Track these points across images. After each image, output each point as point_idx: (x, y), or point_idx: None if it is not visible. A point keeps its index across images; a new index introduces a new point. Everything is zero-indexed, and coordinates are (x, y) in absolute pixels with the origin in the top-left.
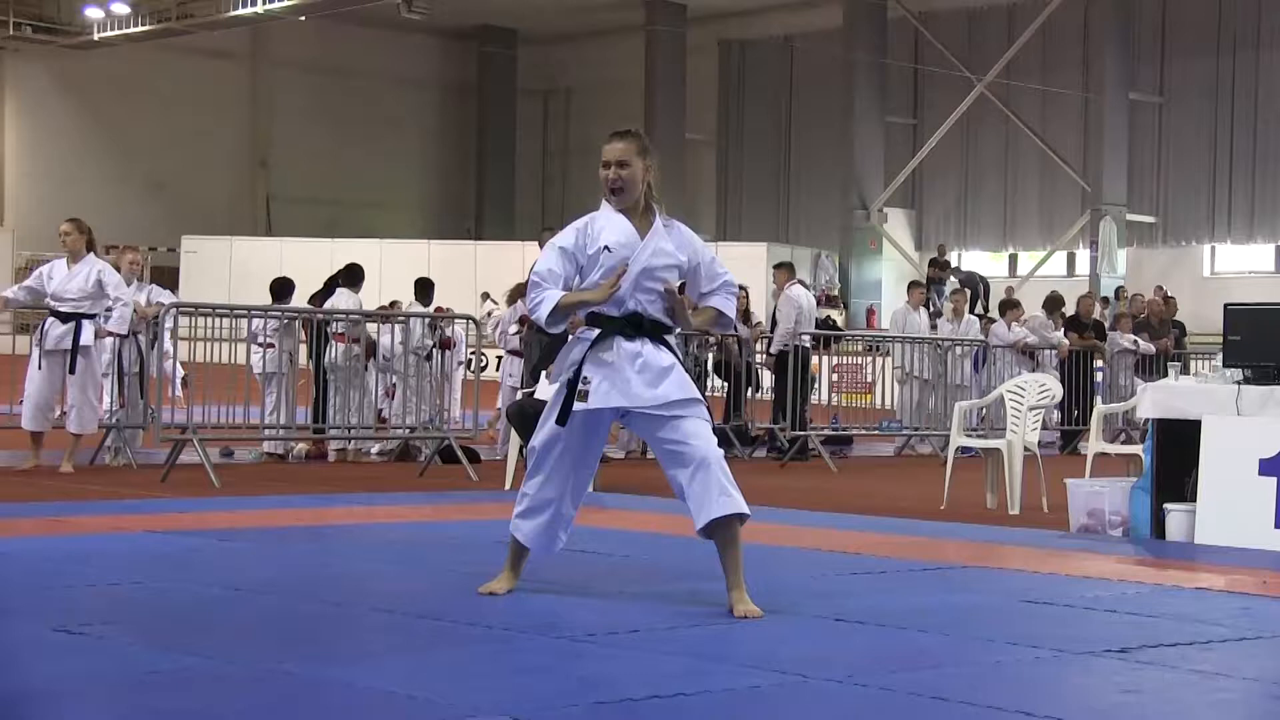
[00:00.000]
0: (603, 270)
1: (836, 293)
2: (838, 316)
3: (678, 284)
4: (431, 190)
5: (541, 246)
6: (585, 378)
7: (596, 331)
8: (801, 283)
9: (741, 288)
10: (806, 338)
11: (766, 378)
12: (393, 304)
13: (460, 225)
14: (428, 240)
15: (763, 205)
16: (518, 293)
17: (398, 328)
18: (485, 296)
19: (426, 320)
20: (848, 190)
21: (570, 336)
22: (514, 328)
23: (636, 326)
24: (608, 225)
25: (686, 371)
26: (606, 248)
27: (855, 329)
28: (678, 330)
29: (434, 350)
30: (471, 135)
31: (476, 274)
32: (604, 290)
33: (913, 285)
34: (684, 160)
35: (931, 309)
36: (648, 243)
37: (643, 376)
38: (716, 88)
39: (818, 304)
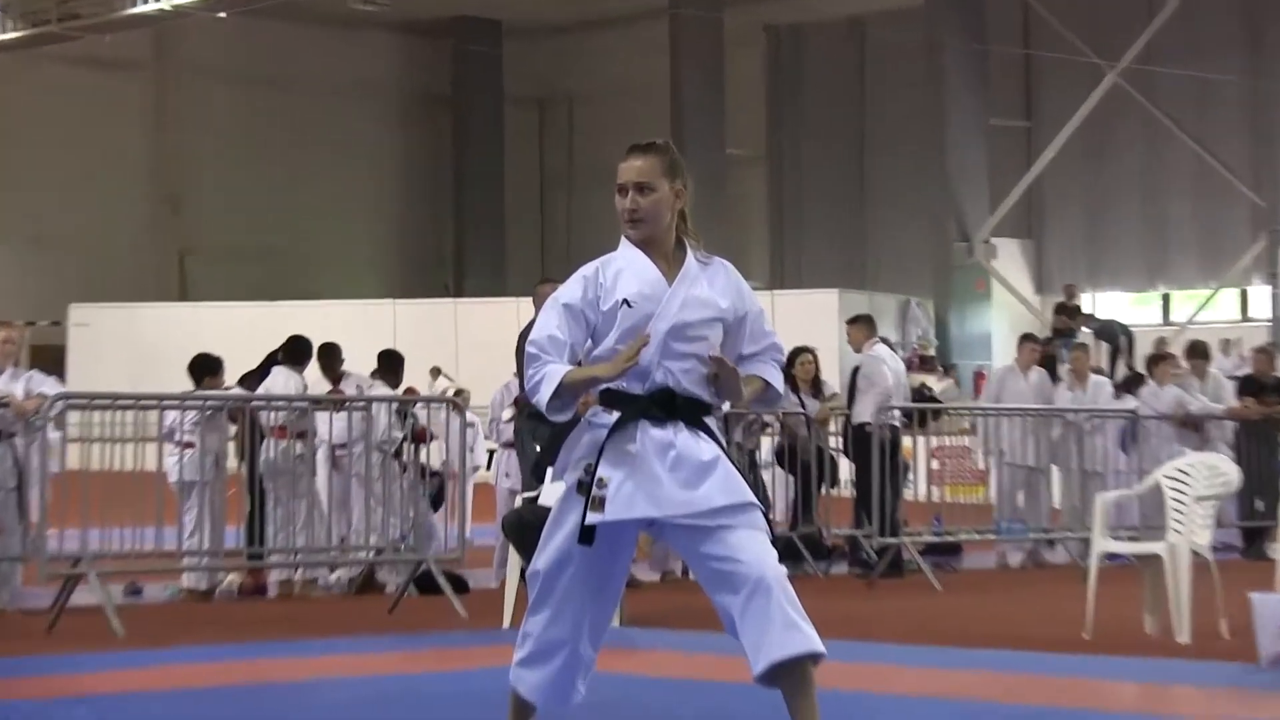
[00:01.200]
0: (622, 332)
1: (933, 352)
2: (936, 384)
3: (719, 341)
4: (396, 235)
5: (539, 303)
6: (601, 479)
7: (614, 416)
8: (885, 341)
9: (806, 351)
10: (896, 413)
11: (845, 468)
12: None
13: (435, 279)
14: (393, 300)
15: (830, 239)
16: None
17: (357, 417)
18: (436, 373)
19: (394, 405)
20: (943, 217)
21: (580, 420)
22: (507, 413)
23: (667, 406)
24: (627, 270)
25: (735, 464)
26: (625, 301)
27: (959, 400)
28: (721, 409)
29: (405, 445)
30: (447, 160)
31: (458, 341)
32: (619, 363)
33: (1024, 340)
34: (725, 183)
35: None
36: (677, 290)
37: (677, 475)
38: (764, 88)
39: (908, 368)
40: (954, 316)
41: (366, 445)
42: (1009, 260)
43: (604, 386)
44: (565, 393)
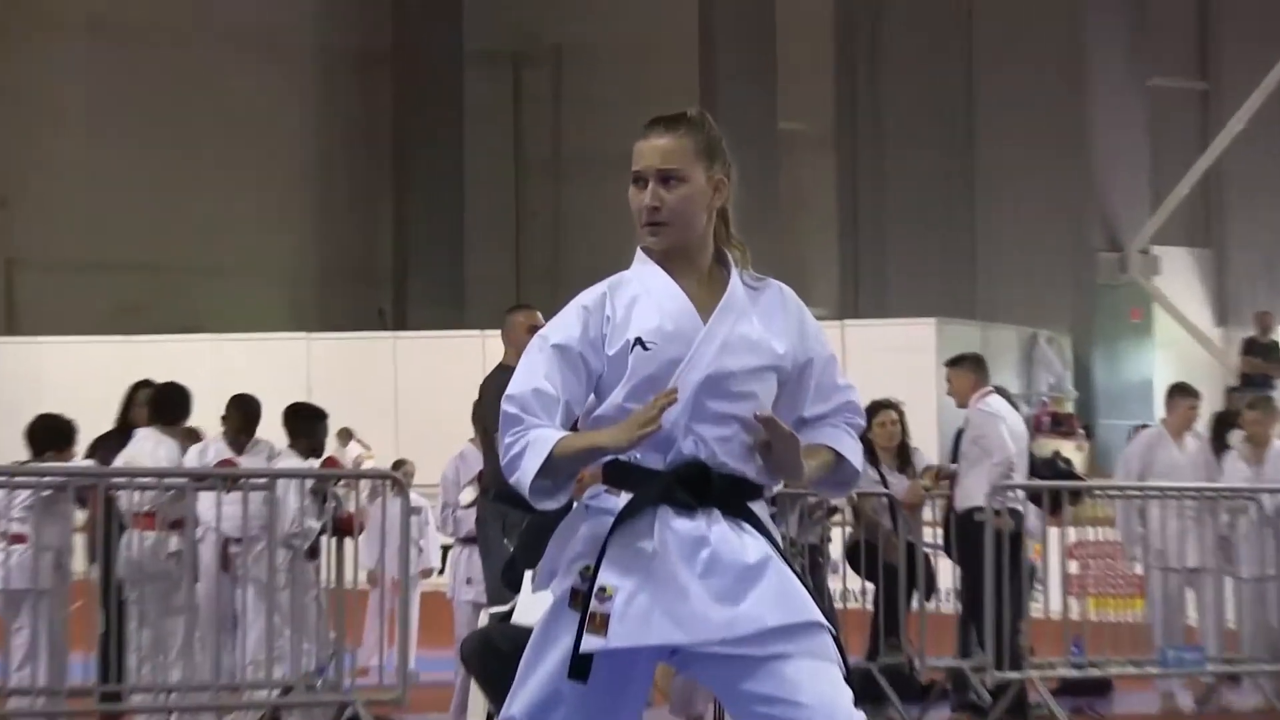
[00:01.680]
0: (637, 384)
1: (1070, 408)
2: (1075, 452)
3: (771, 397)
4: (313, 244)
5: (512, 339)
6: (604, 588)
7: (623, 499)
8: (1002, 392)
9: (889, 406)
10: (1018, 494)
11: (946, 571)
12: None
13: (367, 305)
14: (307, 335)
15: (925, 249)
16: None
17: (257, 499)
18: (347, 436)
19: (308, 483)
20: (1084, 217)
21: (574, 505)
22: (466, 494)
23: (698, 487)
24: (644, 297)
25: (793, 568)
26: (640, 341)
27: (1108, 475)
28: (773, 490)
29: (324, 538)
30: (385, 143)
31: (398, 390)
32: (634, 427)
33: (1176, 394)
34: (776, 171)
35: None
36: (715, 326)
37: (711, 584)
38: (832, 43)
39: (1035, 429)
40: (1100, 357)
41: (270, 539)
42: (1177, 278)
43: (610, 459)
44: (556, 469)
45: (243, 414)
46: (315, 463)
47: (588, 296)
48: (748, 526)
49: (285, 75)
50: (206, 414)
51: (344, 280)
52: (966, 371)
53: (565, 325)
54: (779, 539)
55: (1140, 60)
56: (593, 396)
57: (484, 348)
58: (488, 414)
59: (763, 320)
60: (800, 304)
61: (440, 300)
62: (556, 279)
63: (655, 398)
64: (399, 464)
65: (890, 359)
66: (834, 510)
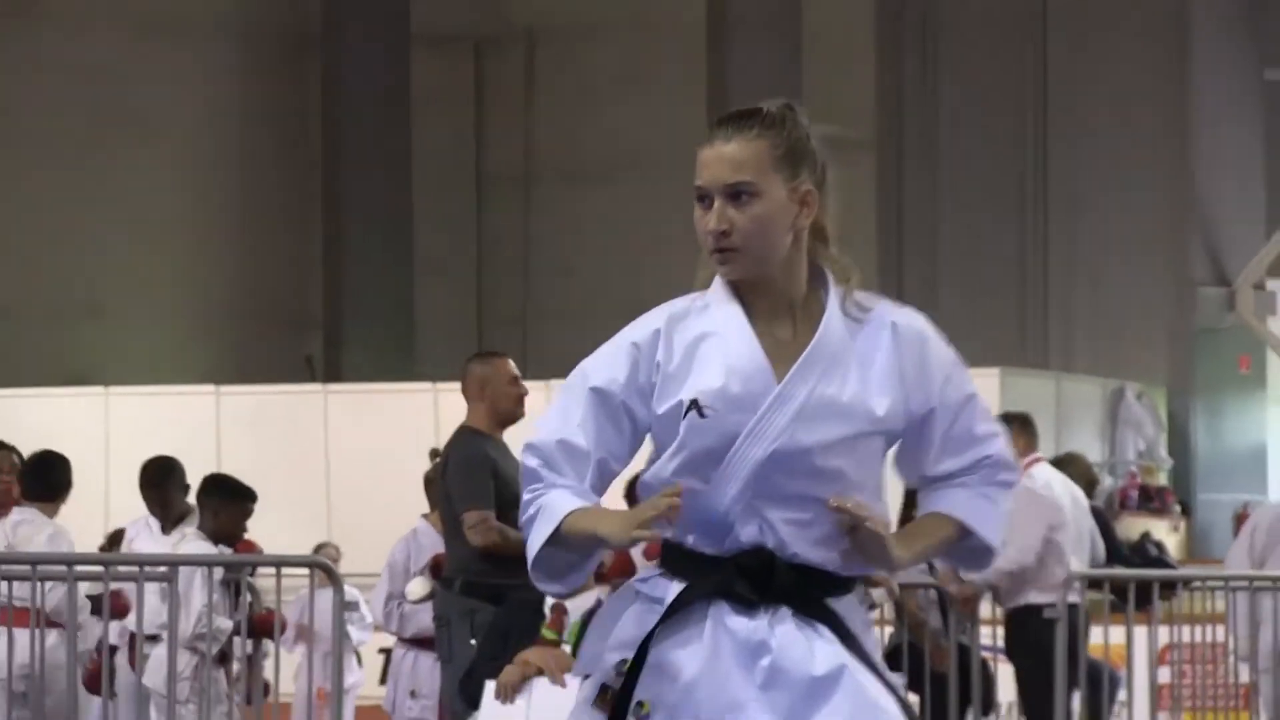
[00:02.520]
0: (692, 455)
1: (1164, 479)
2: (1169, 534)
3: (878, 460)
4: (225, 276)
5: (473, 392)
6: (641, 702)
7: (672, 588)
8: (1068, 462)
9: None
10: (1075, 585)
11: (1006, 679)
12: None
13: (291, 351)
14: (216, 388)
15: (986, 283)
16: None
17: (155, 593)
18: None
19: (217, 574)
20: (1182, 245)
21: (609, 592)
22: (417, 586)
23: (760, 581)
24: (712, 339)
25: (884, 680)
26: (695, 405)
27: (1210, 562)
28: (867, 592)
29: (237, 640)
30: (313, 145)
31: (329, 456)
32: (628, 527)
33: None
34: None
35: None
36: (791, 389)
37: (772, 698)
38: (874, 21)
39: (1121, 504)
40: (1201, 416)
41: (171, 641)
42: None
43: (666, 539)
44: (565, 547)
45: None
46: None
47: (639, 330)
48: (824, 629)
49: (188, 67)
50: (91, 483)
51: (263, 321)
52: (1012, 434)
53: (610, 364)
54: (871, 645)
55: (1254, 49)
56: (653, 450)
57: (436, 404)
58: (452, 486)
59: (860, 369)
60: (922, 335)
61: (382, 346)
62: (527, 320)
63: (658, 496)
64: (320, 547)
65: None
66: (872, 605)
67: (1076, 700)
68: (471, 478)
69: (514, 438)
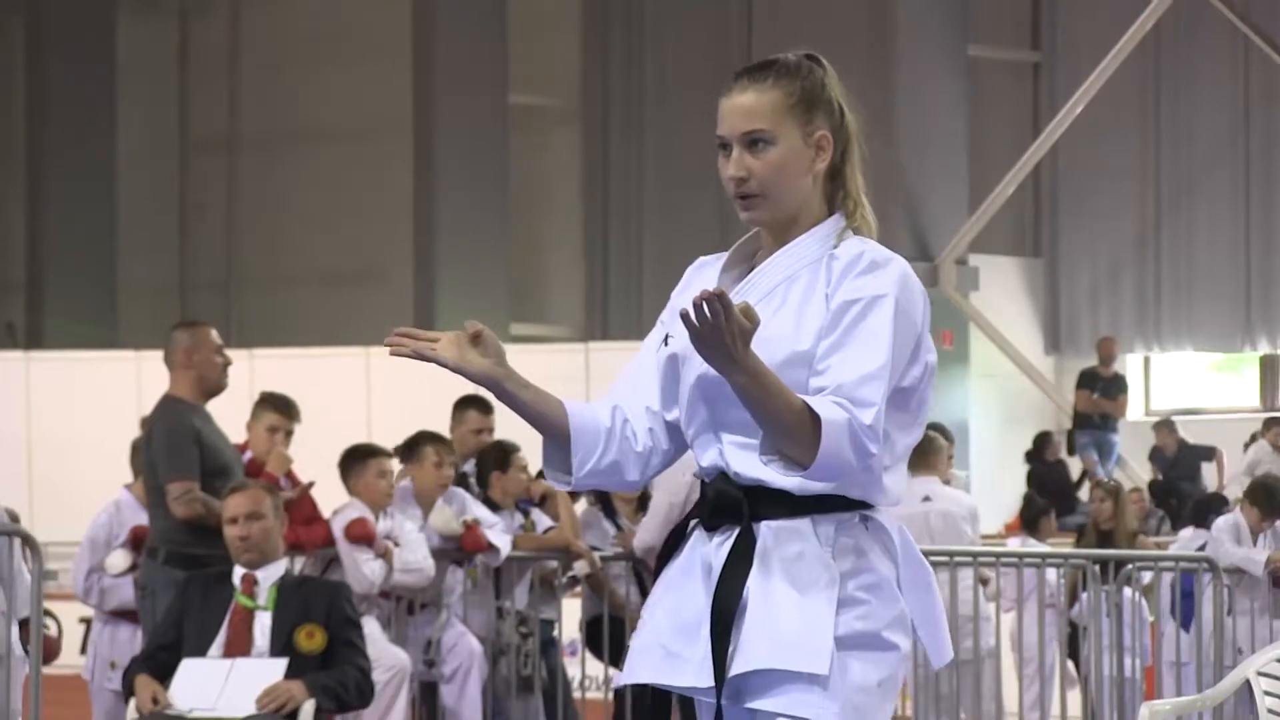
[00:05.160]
0: (668, 389)
1: None
2: None
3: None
4: None
5: (177, 362)
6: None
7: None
8: None
9: None
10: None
11: None
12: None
13: None
14: None
15: (690, 259)
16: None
17: None
18: None
19: None
20: (884, 218)
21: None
22: (118, 559)
23: (718, 505)
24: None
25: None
26: (666, 339)
27: None
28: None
29: None
30: (16, 113)
31: (30, 422)
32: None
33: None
34: (506, 158)
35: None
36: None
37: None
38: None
39: None
40: None
41: None
42: (1000, 293)
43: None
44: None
45: None
46: None
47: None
48: (791, 550)
49: None
50: None
51: None
52: None
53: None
54: (828, 563)
55: (959, 23)
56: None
57: (139, 372)
58: (157, 456)
59: (801, 305)
60: (877, 255)
61: (84, 313)
62: (229, 288)
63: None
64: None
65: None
66: (574, 579)
67: None
68: (176, 448)
69: (217, 407)
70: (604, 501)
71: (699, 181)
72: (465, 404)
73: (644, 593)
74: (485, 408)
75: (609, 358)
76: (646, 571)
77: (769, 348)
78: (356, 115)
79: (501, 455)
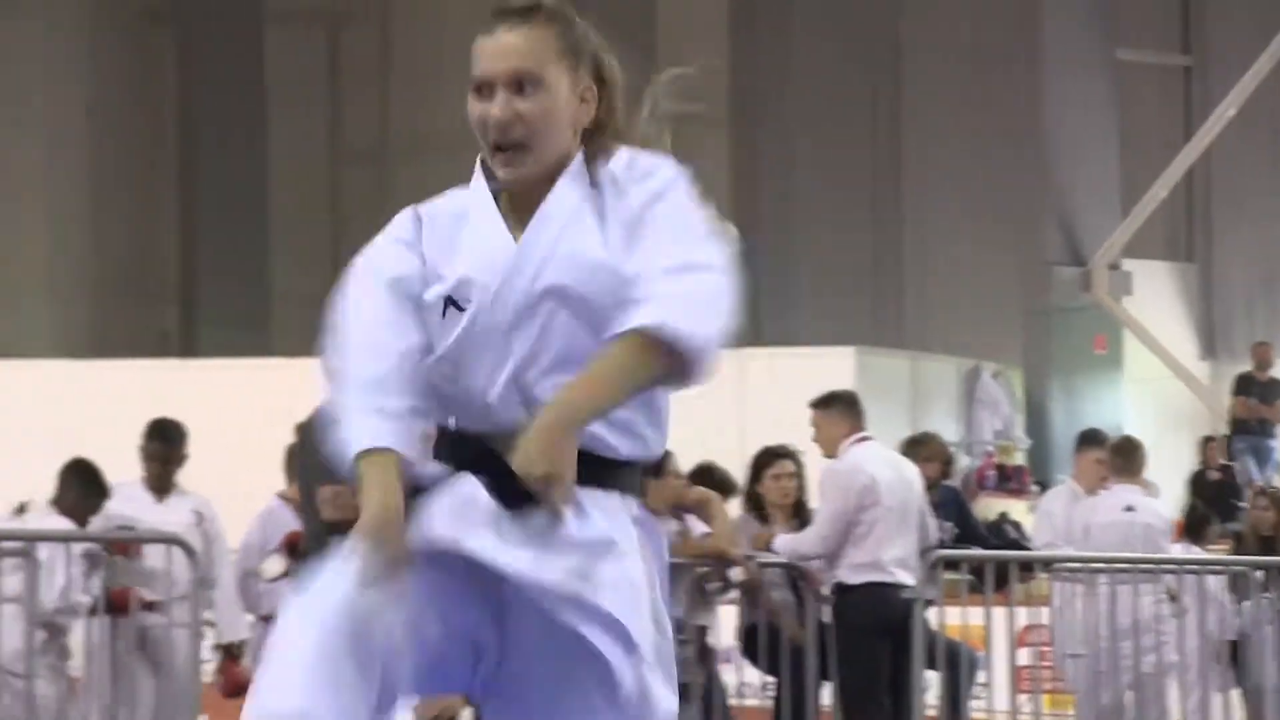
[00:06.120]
0: (449, 351)
1: (1021, 459)
2: (1027, 515)
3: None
4: (79, 248)
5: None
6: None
7: (435, 470)
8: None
9: (784, 455)
10: (908, 565)
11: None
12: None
13: (147, 325)
14: (71, 361)
15: (843, 263)
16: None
17: (9, 568)
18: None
19: (75, 549)
20: (1038, 222)
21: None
22: (272, 564)
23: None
24: (464, 222)
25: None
26: (450, 299)
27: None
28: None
29: (97, 611)
30: (169, 123)
31: (199, 434)
32: (373, 535)
33: (1086, 445)
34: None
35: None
36: (529, 239)
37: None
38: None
39: (979, 485)
40: (1057, 396)
41: (29, 619)
42: (1154, 299)
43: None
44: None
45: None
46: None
47: (399, 222)
48: (598, 515)
49: (36, 36)
50: None
51: (118, 295)
52: (837, 416)
53: (385, 254)
54: (645, 556)
55: (1107, 27)
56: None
57: (293, 379)
58: (309, 464)
59: (604, 218)
60: (670, 173)
61: (238, 321)
62: None
63: (391, 546)
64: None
65: (799, 397)
66: (729, 585)
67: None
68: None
69: None
70: (758, 508)
71: (852, 184)
72: None
73: (800, 600)
74: None
75: (761, 364)
76: (802, 579)
77: (588, 269)
78: None
79: (655, 462)
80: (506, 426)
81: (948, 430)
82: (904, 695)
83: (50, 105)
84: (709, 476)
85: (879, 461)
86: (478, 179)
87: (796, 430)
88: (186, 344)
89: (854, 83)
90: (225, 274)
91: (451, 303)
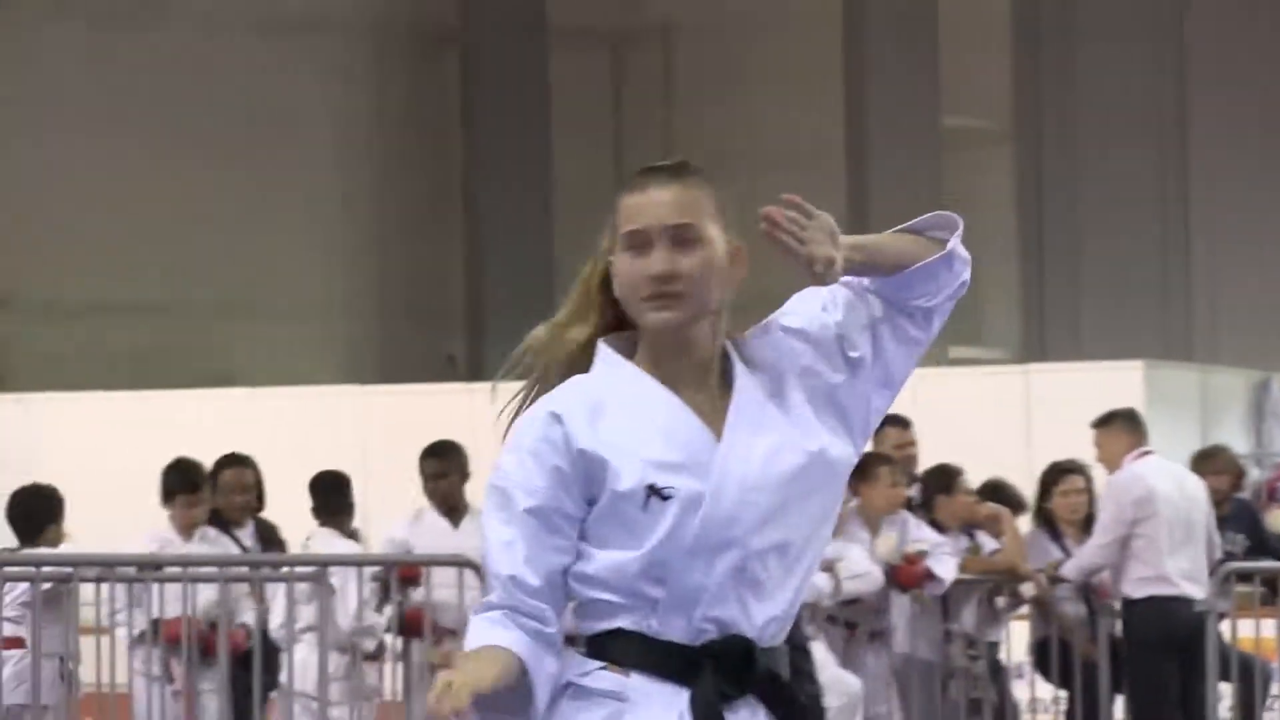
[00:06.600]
0: (656, 547)
1: None
2: None
3: (834, 490)
4: (367, 275)
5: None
6: None
7: (628, 683)
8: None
9: (1078, 471)
10: (1200, 579)
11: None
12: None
13: (433, 350)
14: (361, 387)
15: (1129, 275)
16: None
17: (303, 593)
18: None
19: (371, 574)
20: None
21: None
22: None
23: (737, 673)
24: (637, 411)
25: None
26: (654, 489)
27: None
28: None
29: (386, 641)
30: (453, 146)
31: (474, 454)
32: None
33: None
34: (941, 177)
35: None
36: (732, 442)
37: None
38: (1009, 8)
39: (1269, 497)
40: None
41: (322, 642)
42: None
43: (601, 628)
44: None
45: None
46: (356, 546)
47: (531, 428)
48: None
49: (327, 69)
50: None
51: (403, 320)
52: (1119, 432)
53: (522, 475)
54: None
55: None
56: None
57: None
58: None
59: (778, 399)
60: (783, 314)
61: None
62: None
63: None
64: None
65: (1086, 412)
66: (1021, 600)
67: (1113, 702)
68: None
69: None
70: (1048, 524)
71: (1138, 195)
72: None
73: (1093, 614)
74: (903, 423)
75: (1048, 379)
76: (1093, 594)
77: (785, 451)
78: (789, 142)
79: (946, 478)
80: (712, 635)
81: (1238, 443)
82: (1197, 709)
83: (337, 130)
84: (999, 493)
85: (1159, 474)
86: (613, 359)
87: (1084, 447)
88: (473, 368)
89: (1138, 90)
90: (511, 296)
91: (655, 492)
